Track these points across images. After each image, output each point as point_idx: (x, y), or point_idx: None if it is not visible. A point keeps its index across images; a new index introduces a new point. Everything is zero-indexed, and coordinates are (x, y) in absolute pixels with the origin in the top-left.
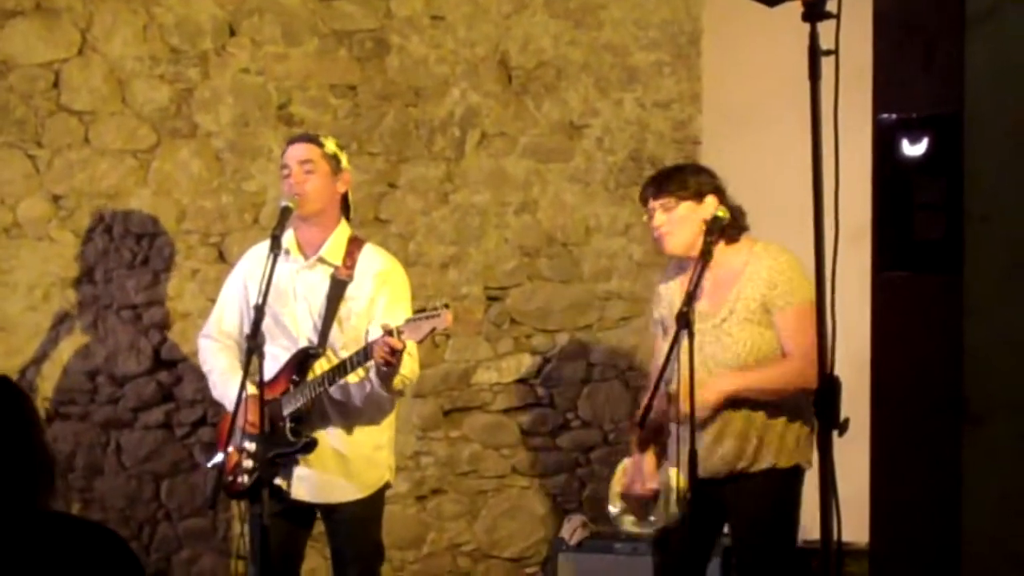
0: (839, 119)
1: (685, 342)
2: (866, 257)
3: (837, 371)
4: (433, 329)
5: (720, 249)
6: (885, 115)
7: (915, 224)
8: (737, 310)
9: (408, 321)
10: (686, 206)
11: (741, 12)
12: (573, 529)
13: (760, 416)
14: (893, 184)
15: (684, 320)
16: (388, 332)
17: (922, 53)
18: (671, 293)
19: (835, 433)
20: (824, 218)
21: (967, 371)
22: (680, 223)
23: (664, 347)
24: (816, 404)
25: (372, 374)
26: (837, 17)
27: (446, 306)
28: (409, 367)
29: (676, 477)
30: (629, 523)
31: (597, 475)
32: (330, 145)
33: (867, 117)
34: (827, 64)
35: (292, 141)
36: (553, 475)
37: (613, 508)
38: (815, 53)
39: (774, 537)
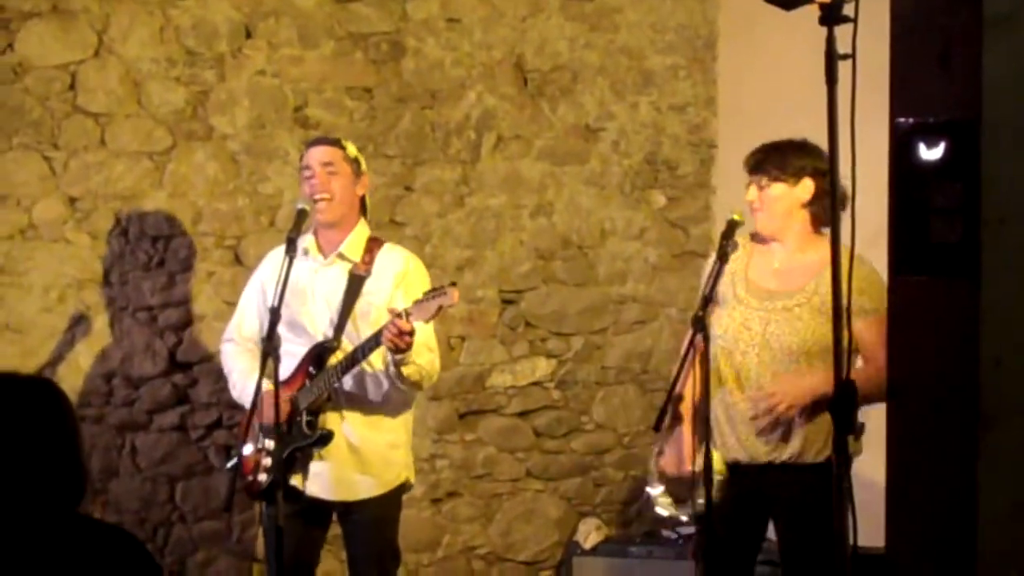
0: (856, 123)
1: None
2: (882, 261)
3: (853, 376)
4: (440, 307)
5: (802, 235)
6: (902, 119)
7: (931, 228)
8: (813, 301)
9: (416, 302)
10: (780, 187)
11: (757, 15)
12: (588, 532)
13: (809, 411)
14: (910, 188)
15: (700, 324)
16: (397, 315)
17: (939, 57)
18: (736, 263)
19: (851, 438)
20: (840, 222)
21: (983, 375)
22: (771, 203)
23: (722, 315)
24: (832, 409)
25: (391, 369)
26: (854, 21)
27: (453, 284)
28: (427, 359)
29: (717, 460)
30: (666, 505)
31: (611, 478)
32: (351, 149)
33: (884, 121)
34: (844, 68)
35: (313, 143)
36: (568, 478)
37: (652, 489)
38: (832, 57)
39: (821, 530)
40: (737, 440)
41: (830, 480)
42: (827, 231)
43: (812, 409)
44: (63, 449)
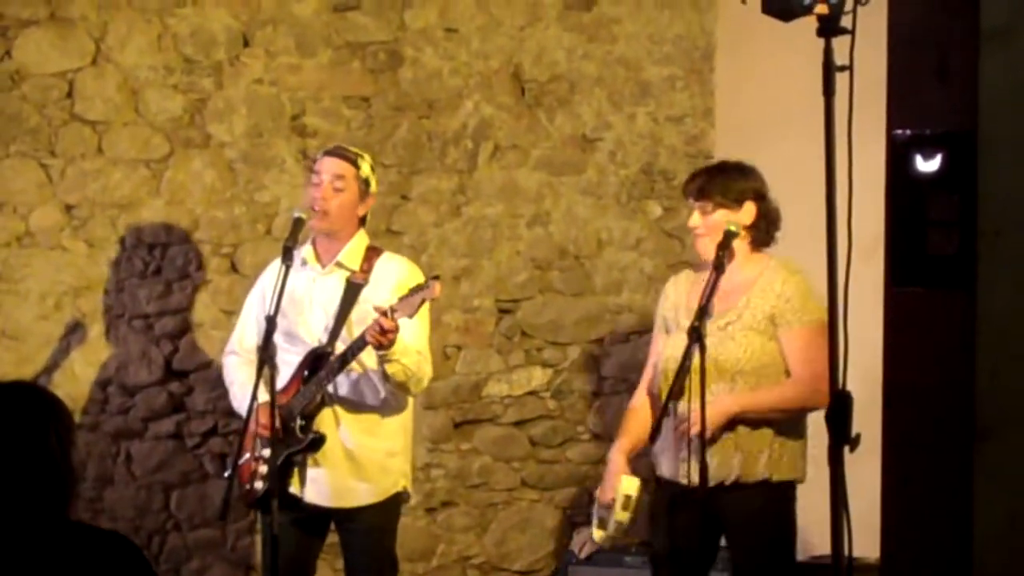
0: (853, 134)
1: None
2: (879, 272)
3: (849, 386)
4: (423, 300)
5: (742, 256)
6: (899, 131)
7: (928, 240)
8: (744, 317)
9: (401, 299)
10: (723, 212)
11: (755, 27)
12: (583, 542)
13: (751, 430)
14: (906, 200)
15: (696, 334)
16: (382, 313)
17: (937, 69)
18: (679, 294)
19: (846, 448)
20: (837, 233)
21: (979, 386)
22: (714, 228)
23: (661, 345)
24: (828, 419)
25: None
26: (852, 32)
27: (435, 277)
28: (413, 360)
29: (628, 484)
30: (596, 534)
31: None
32: (365, 168)
33: (881, 133)
34: (841, 79)
35: (330, 153)
36: (563, 488)
37: (593, 517)
38: (829, 68)
39: (771, 549)
40: (674, 463)
41: (774, 496)
42: (767, 250)
43: (760, 429)
44: (50, 454)
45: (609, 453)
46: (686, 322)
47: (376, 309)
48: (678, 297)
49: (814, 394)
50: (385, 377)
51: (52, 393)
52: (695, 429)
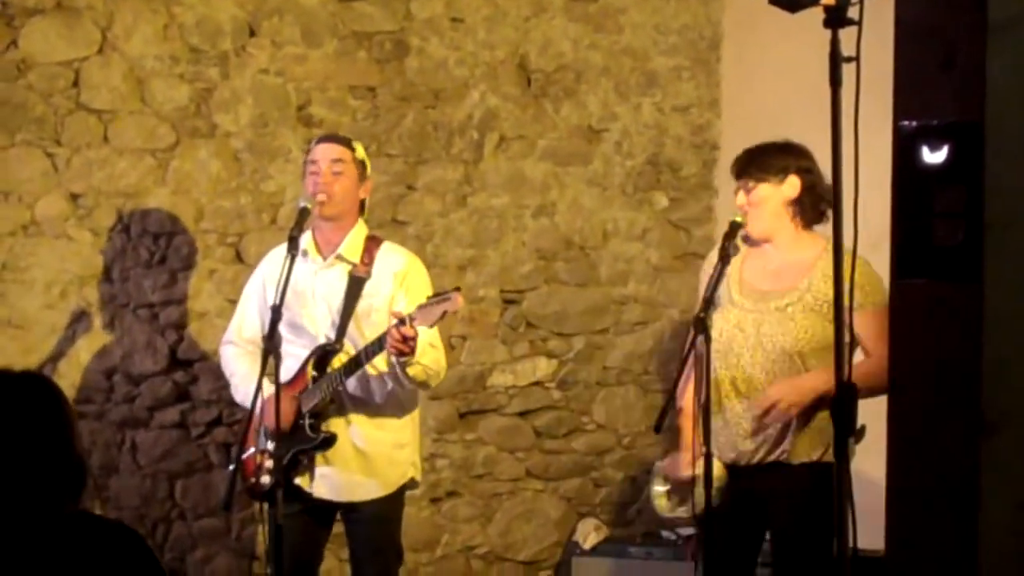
0: (859, 126)
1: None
2: (885, 264)
3: (855, 368)
4: (444, 312)
5: (793, 233)
6: (905, 122)
7: (934, 231)
8: (806, 299)
9: (420, 307)
10: (766, 187)
11: (762, 17)
12: (587, 533)
13: (808, 411)
14: (913, 191)
15: (701, 325)
16: (400, 320)
17: (943, 61)
18: (731, 265)
19: (851, 440)
20: (843, 224)
21: (985, 379)
22: (759, 205)
23: (716, 317)
24: (833, 411)
25: (396, 370)
26: (859, 23)
27: (457, 289)
28: (431, 357)
29: (717, 467)
30: (665, 505)
31: (611, 479)
32: (360, 150)
33: (887, 124)
34: (848, 70)
35: (323, 140)
36: (567, 478)
37: (658, 487)
38: (836, 59)
39: (813, 530)
40: (729, 441)
41: (822, 479)
42: (819, 228)
43: (810, 409)
44: (57, 444)
45: (679, 423)
46: (738, 297)
47: (395, 315)
48: (731, 268)
49: (884, 370)
50: (406, 379)
51: (55, 383)
52: (793, 411)
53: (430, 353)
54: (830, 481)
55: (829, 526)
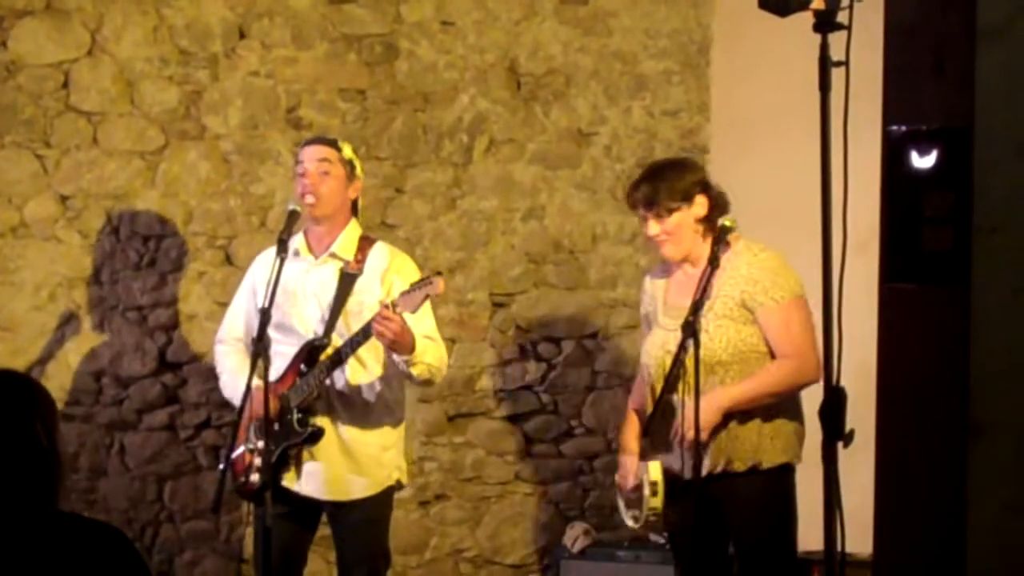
0: (848, 130)
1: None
2: (873, 268)
3: (843, 382)
4: (427, 296)
5: (703, 246)
6: (895, 127)
7: (923, 236)
8: (715, 307)
9: (402, 294)
10: (678, 214)
11: (752, 22)
12: (575, 536)
13: (740, 418)
14: (902, 196)
15: (691, 330)
16: (384, 307)
17: (933, 66)
18: (656, 289)
19: (840, 444)
20: (832, 228)
21: (973, 383)
22: (676, 230)
23: (647, 341)
24: (821, 415)
25: (402, 368)
26: (848, 28)
27: (438, 274)
28: (433, 354)
29: (653, 470)
30: (629, 519)
31: (600, 483)
32: (347, 150)
33: (877, 129)
34: (837, 75)
35: (309, 142)
36: (556, 482)
37: (621, 503)
38: (825, 64)
39: (768, 534)
40: (675, 455)
41: (768, 484)
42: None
43: (726, 421)
44: (33, 441)
45: (620, 439)
46: (663, 319)
47: (380, 304)
48: (655, 292)
49: (803, 367)
50: (411, 379)
51: (35, 380)
52: (690, 434)
53: (431, 349)
54: (775, 483)
55: (784, 525)
